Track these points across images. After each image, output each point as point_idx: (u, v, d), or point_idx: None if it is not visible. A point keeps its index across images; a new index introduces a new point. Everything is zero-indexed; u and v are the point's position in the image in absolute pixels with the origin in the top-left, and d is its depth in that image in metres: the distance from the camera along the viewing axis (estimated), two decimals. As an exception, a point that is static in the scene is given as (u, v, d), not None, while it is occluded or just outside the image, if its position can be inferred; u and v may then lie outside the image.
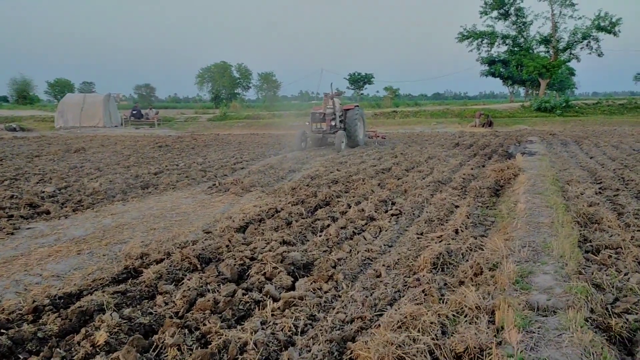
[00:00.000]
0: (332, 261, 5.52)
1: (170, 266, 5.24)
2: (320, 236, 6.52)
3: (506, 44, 42.18)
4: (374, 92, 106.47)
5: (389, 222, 7.37)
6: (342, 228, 6.98)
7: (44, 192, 9.53)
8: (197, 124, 33.82)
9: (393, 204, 8.70)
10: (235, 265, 5.28)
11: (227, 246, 6.01)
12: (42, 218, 7.68)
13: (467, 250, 5.67)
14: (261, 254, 5.70)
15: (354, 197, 9.08)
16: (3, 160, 14.79)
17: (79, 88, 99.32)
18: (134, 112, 33.21)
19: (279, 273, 5.08)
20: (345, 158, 15.23)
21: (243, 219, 7.34)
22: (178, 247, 6.00)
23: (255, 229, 6.89)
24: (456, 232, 6.58)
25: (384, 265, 5.41)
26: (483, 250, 5.60)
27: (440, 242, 6.16)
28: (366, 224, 7.28)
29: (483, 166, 13.34)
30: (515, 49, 42.31)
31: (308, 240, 6.48)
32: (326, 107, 19.02)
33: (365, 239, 6.56)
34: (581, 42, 42.52)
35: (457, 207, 8.27)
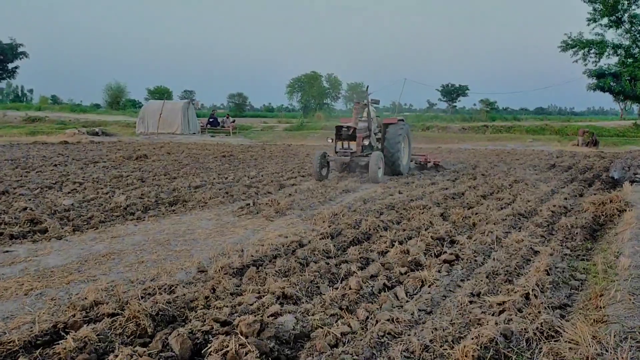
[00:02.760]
0: (332, 337, 3.88)
1: (110, 328, 3.86)
2: (336, 289, 4.89)
3: (617, 55, 37.78)
4: (470, 105, 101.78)
5: (439, 272, 5.59)
6: (371, 277, 5.32)
7: (62, 205, 8.63)
8: (273, 134, 32.99)
9: (453, 243, 6.87)
10: (194, 335, 3.79)
11: (206, 298, 4.56)
12: (31, 239, 6.66)
13: (534, 335, 3.81)
14: (245, 313, 4.19)
15: (404, 230, 7.35)
16: (58, 166, 14.42)
17: (180, 96, 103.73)
18: (211, 120, 33.05)
19: (246, 354, 3.52)
20: (414, 178, 13.39)
21: (252, 255, 5.87)
22: (148, 294, 4.64)
23: (258, 271, 5.38)
24: (526, 296, 4.70)
25: (406, 351, 3.70)
26: (558, 339, 3.72)
27: (500, 313, 4.34)
28: (406, 272, 5.55)
29: (580, 195, 11.02)
30: (629, 60, 37.81)
31: (320, 294, 4.88)
32: (357, 120, 13.68)
33: (397, 297, 4.86)
34: None
35: (536, 253, 6.32)
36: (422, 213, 8.43)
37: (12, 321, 4.14)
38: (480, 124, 35.94)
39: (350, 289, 4.87)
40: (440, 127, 34.59)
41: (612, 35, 64.83)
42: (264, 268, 5.48)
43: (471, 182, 12.46)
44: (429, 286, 5.14)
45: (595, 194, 10.49)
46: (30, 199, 9.24)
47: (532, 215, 8.60)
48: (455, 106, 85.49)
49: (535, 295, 4.71)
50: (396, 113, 47.84)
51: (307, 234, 7.12)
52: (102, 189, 10.52)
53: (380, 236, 7.00)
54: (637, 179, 12.08)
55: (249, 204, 9.08)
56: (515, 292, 4.79)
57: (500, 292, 4.91)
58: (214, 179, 12.48)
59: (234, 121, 33.60)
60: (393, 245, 6.46)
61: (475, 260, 6.03)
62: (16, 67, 61.14)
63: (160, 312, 4.15)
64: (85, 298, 4.54)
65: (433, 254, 6.28)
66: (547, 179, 13.47)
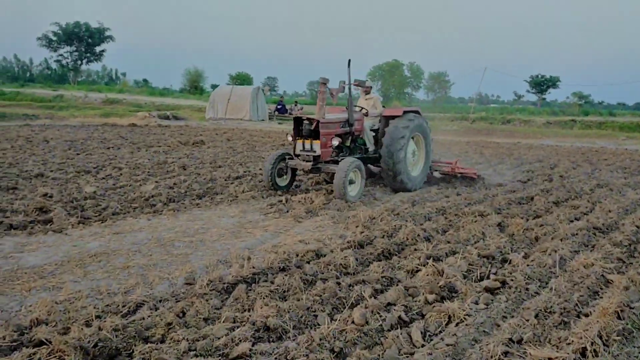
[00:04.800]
0: (301, 398, 2.92)
1: (27, 362, 3.11)
2: (335, 321, 3.91)
3: None
4: (562, 97, 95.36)
5: (475, 303, 4.46)
6: (386, 306, 4.29)
7: (84, 192, 8.17)
8: (343, 122, 31.88)
9: (504, 263, 5.67)
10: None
11: (168, 325, 3.72)
12: (29, 230, 6.13)
13: None
14: (205, 353, 3.33)
15: (448, 242, 6.22)
16: (110, 149, 14.26)
17: (264, 82, 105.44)
18: (279, 106, 32.57)
19: (174, 419, 2.65)
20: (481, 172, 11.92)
21: (253, 267, 5.00)
22: (109, 312, 3.88)
23: (250, 289, 4.49)
24: (582, 353, 3.52)
25: None
26: None
27: (540, 378, 3.20)
28: (433, 302, 4.45)
29: (677, 206, 9.26)
30: None
31: (316, 326, 3.91)
32: (323, 110, 8.98)
33: (410, 339, 3.79)
34: None
35: (608, 284, 5.01)
36: (476, 221, 7.22)
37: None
38: (567, 119, 33.11)
39: (352, 322, 3.87)
40: (523, 121, 32.19)
41: None
42: (259, 285, 4.58)
43: (545, 185, 10.93)
44: (457, 324, 4.04)
45: (695, 207, 8.74)
46: (59, 184, 8.89)
47: (611, 231, 7.15)
48: (545, 98, 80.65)
49: (595, 351, 3.51)
50: (475, 104, 45.27)
51: (332, 241, 6.16)
52: (138, 175, 10.05)
53: (415, 249, 5.91)
54: None
55: (280, 201, 8.23)
56: (569, 344, 3.61)
57: (550, 340, 3.74)
58: (260, 169, 11.73)
59: (301, 108, 32.92)
60: (427, 262, 5.35)
61: (527, 290, 4.82)
62: (103, 51, 64.11)
63: (101, 344, 3.35)
64: (39, 311, 3.84)
65: (475, 278, 5.13)
66: (638, 184, 11.65)
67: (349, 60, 9.17)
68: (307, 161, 8.97)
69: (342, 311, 4.18)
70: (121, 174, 10.12)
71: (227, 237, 6.34)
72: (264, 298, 4.27)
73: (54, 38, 66.40)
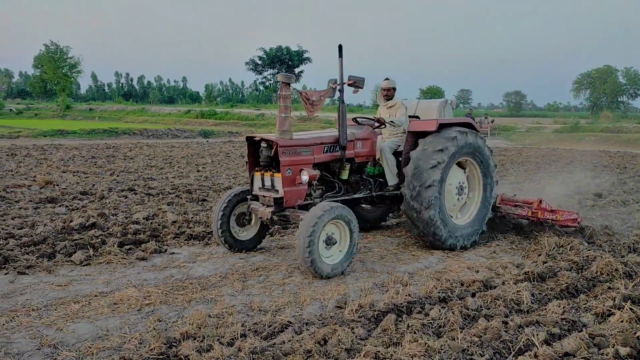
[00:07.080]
0: None
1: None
2: (495, 370, 3.32)
3: None
4: None
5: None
6: (560, 357, 3.56)
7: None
8: (539, 135, 29.41)
9: None
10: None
11: (308, 352, 3.52)
12: (206, 241, 6.52)
13: None
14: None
15: (654, 282, 5.08)
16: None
17: (456, 95, 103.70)
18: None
19: None
20: None
21: (409, 295, 4.60)
22: (253, 332, 3.83)
23: (400, 320, 4.09)
24: None
25: None
26: None
27: None
28: (624, 358, 3.58)
29: None
30: None
31: (472, 372, 3.38)
32: (287, 124, 5.69)
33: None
34: None
35: None
36: (697, 256, 5.84)
37: (97, 342, 3.72)
38: None
39: (519, 373, 3.26)
40: None
41: None
42: (411, 317, 4.16)
43: None
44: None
45: None
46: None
47: None
48: None
49: None
50: None
51: (506, 271, 5.47)
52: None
53: (610, 287, 4.92)
54: None
55: (453, 221, 7.63)
56: None
57: None
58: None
59: (492, 121, 31.16)
60: (623, 305, 4.39)
61: None
62: (301, 72, 68.76)
63: (241, 367, 3.27)
64: (190, 324, 3.95)
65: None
66: None
67: (340, 47, 5.95)
68: (267, 205, 5.90)
69: (505, 358, 3.56)
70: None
71: (388, 258, 6.02)
72: (414, 332, 3.84)
73: (259, 62, 73.34)
